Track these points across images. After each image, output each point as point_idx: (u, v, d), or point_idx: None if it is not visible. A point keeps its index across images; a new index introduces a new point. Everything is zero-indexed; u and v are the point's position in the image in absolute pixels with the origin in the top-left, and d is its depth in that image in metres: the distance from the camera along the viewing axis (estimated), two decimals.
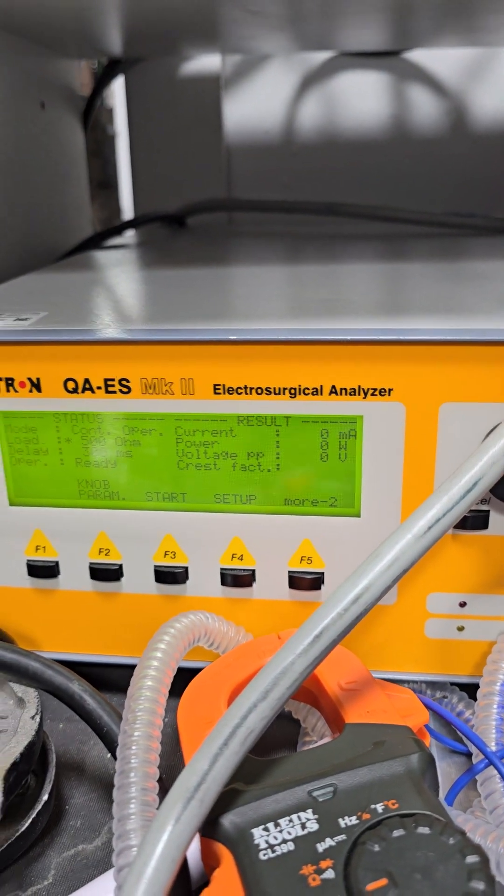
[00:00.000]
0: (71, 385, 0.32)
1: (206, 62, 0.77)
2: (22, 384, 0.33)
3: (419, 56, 0.76)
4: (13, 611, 0.36)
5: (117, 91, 0.88)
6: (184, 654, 0.31)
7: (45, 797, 0.29)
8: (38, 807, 0.28)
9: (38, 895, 0.28)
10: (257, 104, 0.79)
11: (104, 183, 1.08)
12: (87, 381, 0.32)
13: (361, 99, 0.78)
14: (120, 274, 0.48)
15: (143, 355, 0.31)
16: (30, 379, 0.32)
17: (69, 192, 0.73)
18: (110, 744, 0.28)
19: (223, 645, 0.33)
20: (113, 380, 0.32)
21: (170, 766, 0.32)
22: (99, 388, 0.32)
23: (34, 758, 0.28)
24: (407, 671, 0.35)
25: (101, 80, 0.73)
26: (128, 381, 0.32)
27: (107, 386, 0.32)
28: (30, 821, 0.28)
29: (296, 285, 0.41)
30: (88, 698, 0.29)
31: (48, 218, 0.68)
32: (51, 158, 0.68)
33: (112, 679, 0.37)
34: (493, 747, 0.29)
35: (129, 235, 0.72)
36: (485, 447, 0.27)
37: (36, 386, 0.32)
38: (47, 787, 0.29)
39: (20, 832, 0.27)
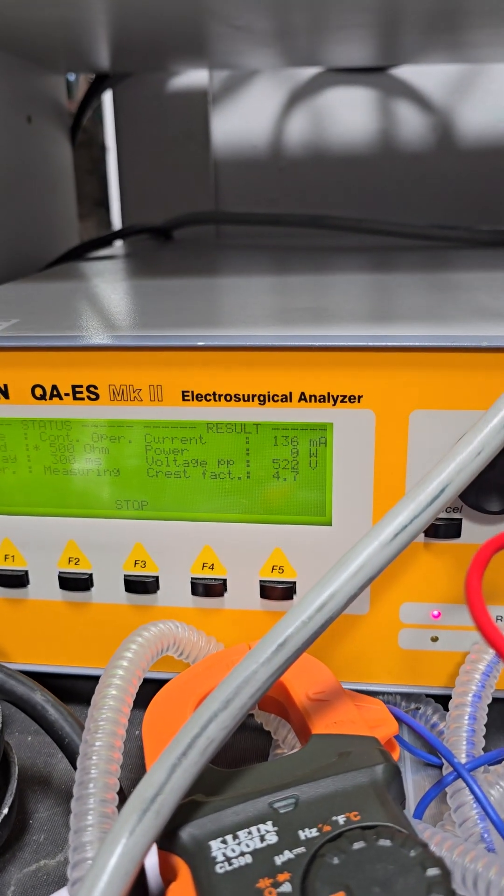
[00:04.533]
0: (38, 391, 0.32)
1: (193, 77, 0.77)
2: None
3: (406, 72, 0.77)
4: None
5: (107, 106, 0.89)
6: (151, 664, 0.30)
7: (6, 811, 0.28)
8: None
9: None
10: (245, 119, 0.79)
11: (100, 201, 1.08)
12: (54, 387, 0.32)
13: (349, 114, 0.78)
14: (100, 283, 0.48)
15: (111, 361, 0.31)
16: None
17: (56, 205, 0.73)
18: (72, 755, 0.28)
19: (193, 654, 0.33)
20: (81, 386, 0.32)
21: (136, 781, 0.31)
22: (67, 394, 0.32)
23: None
24: (381, 682, 0.34)
25: (89, 94, 0.74)
26: (96, 387, 0.31)
27: (74, 393, 0.32)
28: None
29: (278, 295, 0.41)
30: (50, 709, 0.28)
31: (34, 231, 0.68)
32: (37, 172, 0.68)
33: (82, 691, 0.36)
34: (463, 759, 0.29)
35: (116, 246, 0.72)
36: (452, 453, 0.26)
37: (3, 392, 0.32)
38: (8, 801, 0.28)
39: None
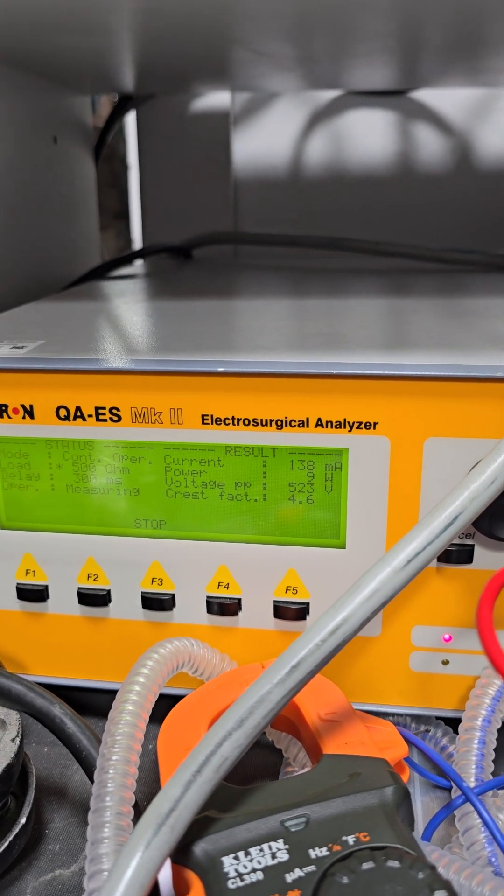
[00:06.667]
0: (63, 412, 0.33)
1: (215, 99, 0.79)
2: (15, 411, 0.33)
3: (425, 95, 0.78)
4: (1, 633, 0.37)
5: (130, 124, 0.90)
6: (167, 680, 0.31)
7: (24, 820, 0.29)
8: (16, 830, 0.28)
9: None
10: (265, 140, 0.80)
11: (120, 213, 1.10)
12: (78, 409, 0.33)
13: (368, 136, 0.79)
14: (122, 305, 0.49)
15: (133, 385, 0.32)
16: (23, 406, 0.33)
17: (79, 224, 0.74)
18: (88, 768, 0.28)
19: (207, 672, 0.33)
20: (104, 408, 0.32)
21: (150, 794, 0.32)
22: (90, 416, 0.33)
23: (12, 780, 0.28)
24: (392, 704, 0.35)
25: (113, 115, 0.75)
26: (118, 409, 0.32)
27: (97, 414, 0.33)
28: (6, 843, 0.28)
29: (295, 318, 0.42)
30: (69, 722, 0.29)
31: (58, 248, 0.69)
32: (62, 191, 0.70)
33: (98, 704, 0.37)
34: (472, 783, 0.29)
35: (137, 265, 0.73)
36: (466, 482, 0.27)
37: (29, 413, 0.33)
38: (25, 810, 0.29)
39: None
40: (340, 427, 0.31)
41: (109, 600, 0.35)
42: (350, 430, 0.31)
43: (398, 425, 0.31)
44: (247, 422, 0.32)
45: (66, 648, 0.37)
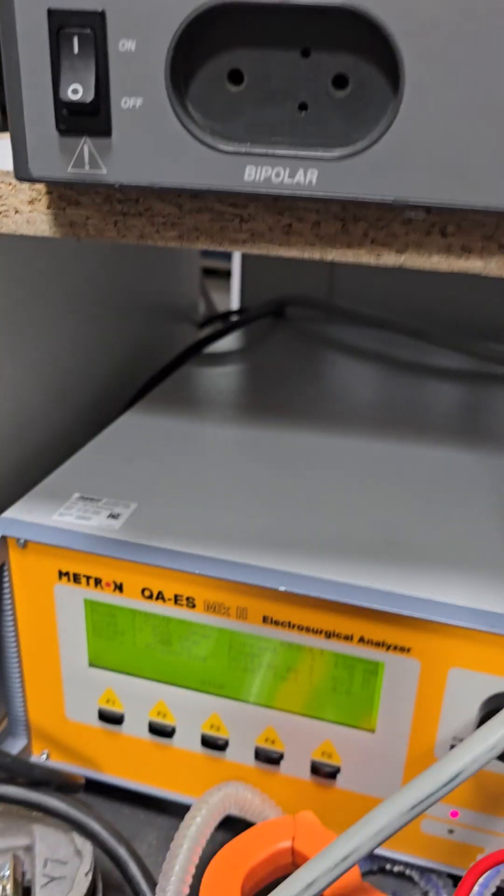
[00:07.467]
0: (147, 593, 0.39)
1: None
2: (108, 584, 0.39)
3: None
4: (85, 742, 0.44)
5: None
6: (217, 822, 0.38)
7: None
8: None
9: None
10: None
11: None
12: (160, 593, 0.39)
13: None
14: (207, 427, 0.54)
15: (206, 584, 0.38)
16: (114, 582, 0.39)
17: (182, 268, 0.79)
18: None
19: (249, 813, 0.40)
20: (181, 596, 0.38)
21: None
22: (169, 599, 0.39)
23: None
24: (404, 853, 0.41)
25: None
26: (193, 599, 0.38)
27: (176, 599, 0.39)
28: None
29: (356, 497, 0.45)
30: (132, 865, 0.36)
31: (162, 294, 0.74)
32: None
33: (160, 804, 0.45)
34: None
35: (232, 340, 0.76)
36: (468, 744, 0.32)
37: (119, 588, 0.39)
38: None
39: None
40: (379, 646, 0.36)
41: (174, 734, 0.42)
42: (387, 650, 0.36)
43: (428, 653, 0.36)
44: (301, 628, 0.37)
45: (136, 761, 0.44)
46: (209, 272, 0.98)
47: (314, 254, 0.26)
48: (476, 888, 0.36)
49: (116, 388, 0.67)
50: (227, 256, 1.08)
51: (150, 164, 0.23)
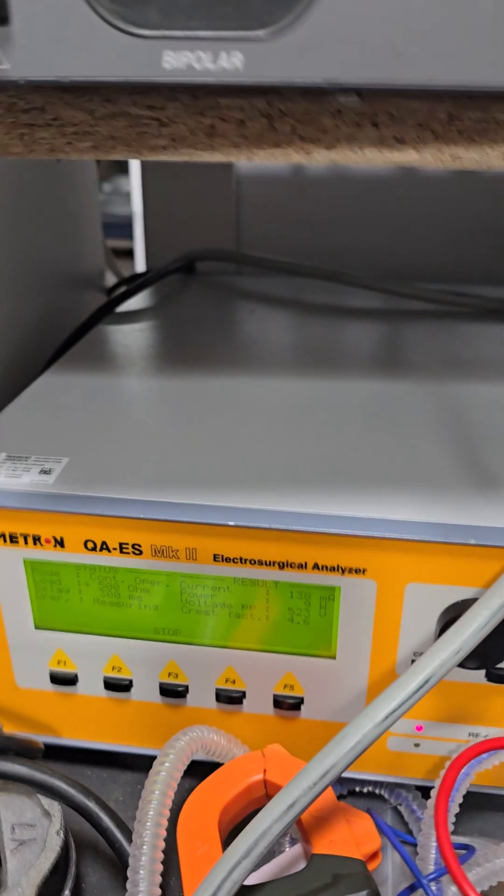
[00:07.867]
0: (90, 545, 0.37)
1: None
2: (47, 541, 0.38)
3: None
4: (39, 708, 0.43)
5: None
6: (185, 767, 0.37)
7: (68, 892, 0.36)
8: None
9: None
10: None
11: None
12: (104, 543, 0.37)
13: None
14: (130, 382, 0.52)
15: (153, 528, 0.36)
16: (54, 537, 0.38)
17: (85, 237, 0.76)
18: (121, 857, 0.35)
19: (219, 754, 0.39)
20: (126, 544, 0.37)
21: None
22: (114, 549, 0.37)
23: (59, 870, 0.35)
24: (371, 772, 0.41)
25: None
26: (139, 546, 0.37)
27: (121, 548, 0.37)
28: None
29: (294, 429, 0.45)
30: (104, 816, 0.35)
31: (66, 262, 0.71)
32: (67, 209, 0.71)
33: (123, 760, 0.44)
34: (431, 867, 0.36)
35: (143, 296, 0.74)
36: (435, 649, 0.32)
37: (59, 543, 0.38)
38: (69, 883, 0.36)
39: None
40: (334, 570, 0.36)
41: (131, 687, 0.41)
42: (342, 574, 0.36)
43: (383, 572, 0.36)
44: (253, 562, 0.36)
45: (93, 720, 0.43)
46: (113, 252, 0.96)
47: (240, 156, 0.25)
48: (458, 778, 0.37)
49: (23, 356, 0.65)
50: (130, 234, 1.05)
51: (57, 55, 0.21)
